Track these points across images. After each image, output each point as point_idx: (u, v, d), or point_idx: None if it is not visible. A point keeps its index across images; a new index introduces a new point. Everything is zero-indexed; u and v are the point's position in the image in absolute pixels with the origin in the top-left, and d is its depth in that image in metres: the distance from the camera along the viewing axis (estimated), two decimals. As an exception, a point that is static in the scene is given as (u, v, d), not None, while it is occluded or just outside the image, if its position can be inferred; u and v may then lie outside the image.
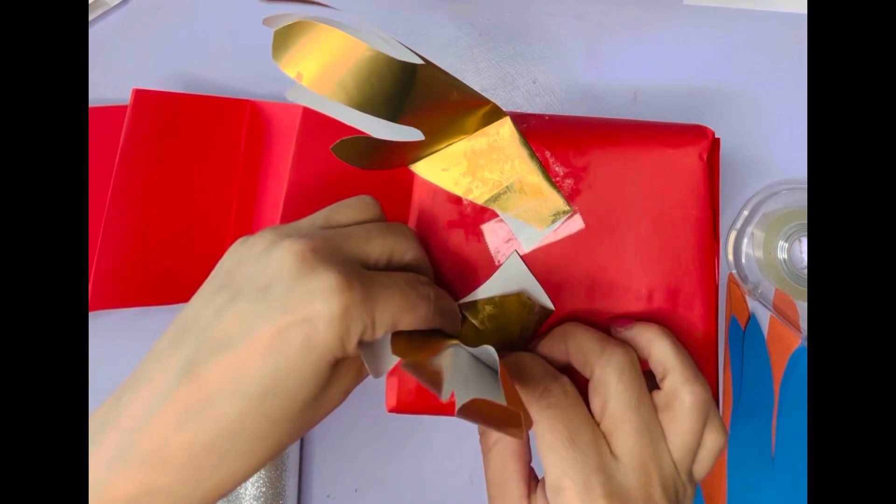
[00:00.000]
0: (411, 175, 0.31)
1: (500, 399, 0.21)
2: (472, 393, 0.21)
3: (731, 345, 0.38)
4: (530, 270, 0.30)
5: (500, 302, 0.29)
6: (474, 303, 0.30)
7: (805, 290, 0.38)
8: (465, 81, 0.26)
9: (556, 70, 0.42)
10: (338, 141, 0.27)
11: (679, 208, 0.30)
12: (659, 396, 0.26)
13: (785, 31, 0.41)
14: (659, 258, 0.30)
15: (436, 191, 0.31)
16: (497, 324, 0.29)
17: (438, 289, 0.27)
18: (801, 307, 0.38)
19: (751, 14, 0.41)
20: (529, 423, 0.21)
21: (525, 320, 0.30)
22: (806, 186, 0.39)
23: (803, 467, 0.36)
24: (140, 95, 0.38)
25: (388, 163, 0.30)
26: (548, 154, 0.30)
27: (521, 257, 0.30)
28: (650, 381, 0.27)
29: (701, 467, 0.26)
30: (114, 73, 0.43)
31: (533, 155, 0.30)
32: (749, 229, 0.39)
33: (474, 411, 0.21)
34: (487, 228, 0.30)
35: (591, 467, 0.24)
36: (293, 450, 0.38)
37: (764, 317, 0.38)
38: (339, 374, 0.24)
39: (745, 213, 0.39)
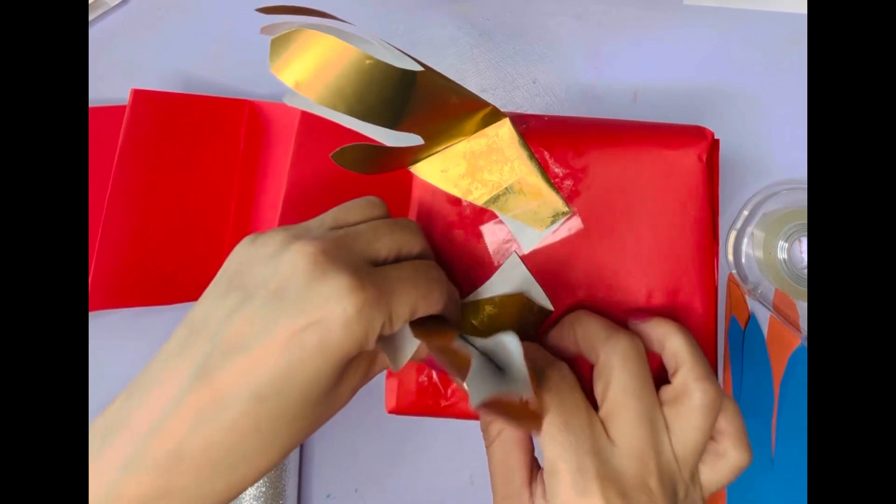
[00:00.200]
0: (410, 176, 0.31)
1: (525, 391, 0.21)
2: (493, 387, 0.21)
3: (731, 345, 0.38)
4: (530, 271, 0.30)
5: (499, 302, 0.29)
6: (475, 303, 0.30)
7: (805, 290, 0.38)
8: (465, 82, 0.27)
9: (556, 70, 0.42)
10: (337, 149, 0.27)
11: (678, 209, 0.30)
12: (668, 391, 0.26)
13: (785, 31, 0.41)
14: (658, 259, 0.30)
15: (435, 192, 0.31)
16: (496, 324, 0.29)
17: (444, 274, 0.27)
18: (801, 307, 0.38)
19: (751, 14, 0.41)
20: (542, 416, 0.21)
21: (524, 321, 0.30)
22: (806, 186, 0.39)
23: (803, 467, 0.36)
24: (139, 95, 0.38)
25: (388, 167, 0.30)
26: (547, 155, 0.30)
27: (521, 258, 0.30)
28: (662, 376, 0.27)
29: (715, 478, 0.26)
30: (114, 73, 0.43)
31: (532, 156, 0.30)
32: (749, 229, 0.39)
33: (493, 405, 0.21)
34: (487, 230, 0.30)
35: (585, 450, 0.24)
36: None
37: (764, 317, 0.38)
38: (349, 372, 0.24)
39: (745, 213, 0.39)
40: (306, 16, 0.24)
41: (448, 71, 0.41)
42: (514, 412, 0.22)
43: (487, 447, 0.27)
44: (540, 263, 0.30)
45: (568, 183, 0.30)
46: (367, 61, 0.24)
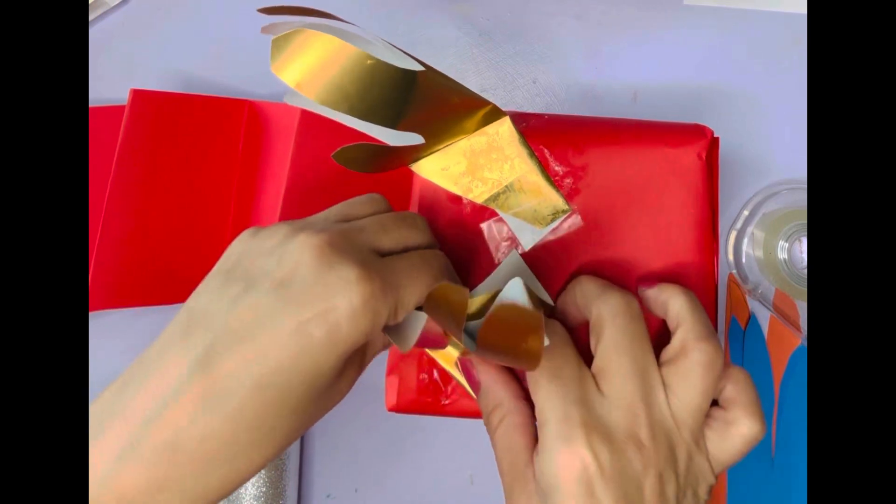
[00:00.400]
0: (411, 174, 0.31)
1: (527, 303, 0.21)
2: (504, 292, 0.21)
3: (731, 345, 0.38)
4: (530, 269, 0.30)
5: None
6: (472, 301, 0.30)
7: (805, 290, 0.38)
8: (465, 81, 0.27)
9: (556, 70, 0.42)
10: (338, 149, 0.27)
11: (678, 207, 0.30)
12: (667, 351, 0.26)
13: (785, 31, 0.41)
14: (657, 257, 0.30)
15: (435, 190, 0.31)
16: None
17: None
18: (801, 307, 0.38)
19: (750, 14, 0.41)
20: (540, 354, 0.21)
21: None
22: (806, 186, 0.39)
23: (803, 467, 0.36)
24: (138, 95, 0.38)
25: (388, 165, 0.30)
26: (547, 153, 0.30)
27: (521, 256, 0.30)
28: (667, 340, 0.26)
29: (724, 447, 0.25)
30: (114, 73, 0.43)
31: (532, 154, 0.30)
32: (749, 229, 0.39)
33: (493, 342, 0.21)
34: (487, 227, 0.30)
35: (572, 399, 0.24)
36: (293, 450, 0.38)
37: (764, 317, 0.38)
38: (349, 363, 0.24)
39: (745, 213, 0.39)
40: (307, 16, 0.24)
41: (448, 71, 0.40)
42: (513, 351, 0.22)
43: (491, 436, 0.27)
44: (540, 261, 0.30)
45: (568, 181, 0.30)
46: (368, 61, 0.24)
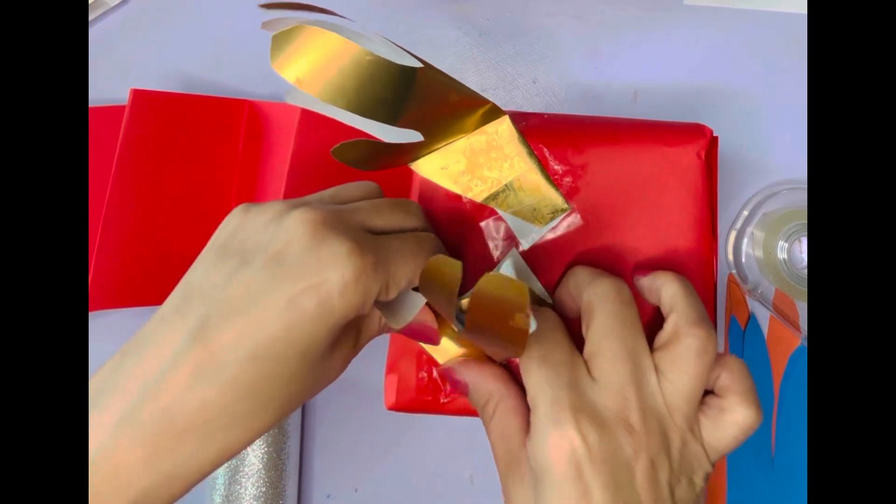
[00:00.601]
0: (410, 173, 0.31)
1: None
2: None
3: (730, 345, 0.38)
4: (529, 268, 0.30)
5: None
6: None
7: (805, 290, 0.38)
8: (465, 81, 0.26)
9: (556, 70, 0.42)
10: (337, 145, 0.27)
11: (677, 206, 0.30)
12: (660, 336, 0.26)
13: (785, 31, 0.41)
14: (656, 256, 0.30)
15: (435, 189, 0.31)
16: None
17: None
18: (801, 307, 0.38)
19: (750, 14, 0.41)
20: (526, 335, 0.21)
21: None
22: (806, 186, 0.39)
23: (803, 467, 0.36)
24: (138, 95, 0.38)
25: (388, 164, 0.30)
26: (546, 152, 0.30)
27: (520, 254, 0.30)
28: (659, 324, 0.26)
29: (719, 435, 0.24)
30: (114, 73, 0.43)
31: (531, 153, 0.30)
32: (749, 229, 0.39)
33: (482, 325, 0.22)
34: (486, 226, 0.30)
35: (561, 383, 0.24)
36: (293, 450, 0.38)
37: (764, 317, 0.38)
38: (342, 339, 0.25)
39: (745, 213, 0.39)
40: (307, 12, 0.24)
41: (448, 71, 0.40)
42: (503, 329, 0.22)
43: (487, 425, 0.27)
44: (539, 259, 0.30)
45: (567, 180, 0.30)
46: (368, 57, 0.24)
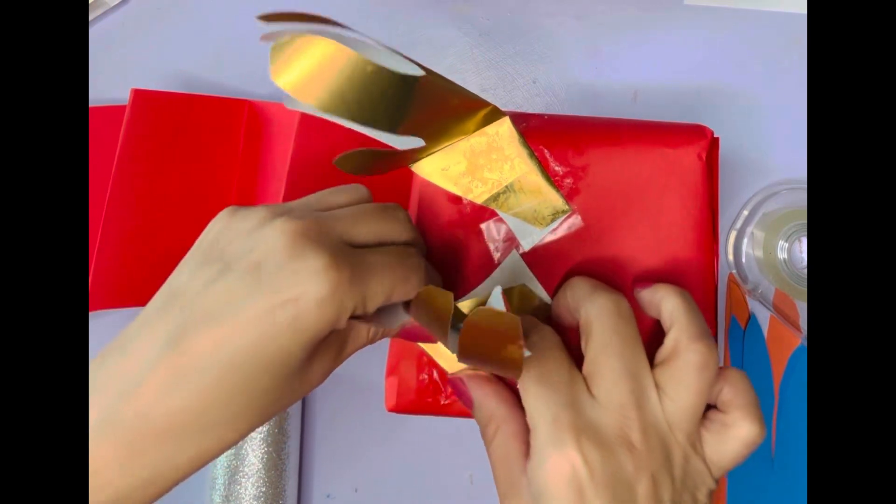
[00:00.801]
0: (410, 175, 0.31)
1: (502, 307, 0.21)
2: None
3: (731, 345, 0.38)
4: (530, 269, 0.30)
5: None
6: (473, 302, 0.30)
7: (805, 290, 0.38)
8: (465, 82, 0.26)
9: (556, 70, 0.42)
10: (339, 156, 0.27)
11: (678, 207, 0.30)
12: (660, 352, 0.25)
13: (785, 31, 0.41)
14: (657, 257, 0.30)
15: (435, 190, 0.31)
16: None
17: (427, 262, 0.27)
18: (801, 307, 0.38)
19: (751, 14, 0.41)
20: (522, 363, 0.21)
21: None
22: (806, 186, 0.39)
23: (803, 467, 0.36)
24: (139, 95, 0.38)
25: (389, 168, 0.30)
26: (547, 153, 0.30)
27: (521, 256, 0.30)
28: (661, 340, 0.26)
29: (722, 450, 0.24)
30: (114, 73, 0.43)
31: (532, 154, 0.30)
32: (749, 229, 0.39)
33: (472, 350, 0.21)
34: (487, 228, 0.30)
35: (561, 403, 0.23)
36: (293, 450, 0.38)
37: (764, 317, 0.38)
38: (321, 352, 0.25)
39: (745, 213, 0.39)
40: (307, 23, 0.24)
41: (448, 71, 0.41)
42: (496, 358, 0.22)
43: (488, 446, 0.27)
44: (540, 261, 0.30)
45: (568, 181, 0.30)
46: (368, 67, 0.24)
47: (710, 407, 0.25)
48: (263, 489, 0.36)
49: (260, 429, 0.37)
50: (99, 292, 0.37)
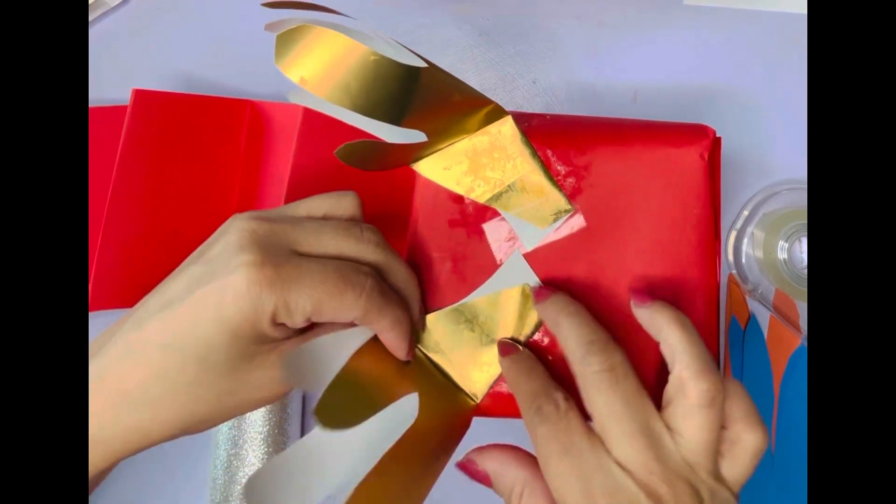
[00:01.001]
0: (413, 174, 0.31)
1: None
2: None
3: (731, 345, 0.38)
4: (532, 269, 0.30)
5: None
6: (473, 304, 0.30)
7: (805, 290, 0.38)
8: (465, 81, 0.26)
9: (557, 70, 0.42)
10: (340, 147, 0.27)
11: (680, 207, 0.30)
12: (667, 391, 0.25)
13: (785, 31, 0.41)
14: (660, 257, 0.30)
15: (438, 190, 0.31)
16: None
17: (384, 286, 0.27)
18: (801, 307, 0.38)
19: (750, 14, 0.41)
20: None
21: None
22: (806, 186, 0.39)
23: (803, 467, 0.36)
24: (140, 95, 0.38)
25: (391, 164, 0.30)
26: (549, 153, 0.30)
27: (523, 256, 0.30)
28: (664, 363, 0.26)
29: (737, 468, 0.25)
30: (114, 73, 0.43)
31: (535, 154, 0.30)
32: (749, 229, 0.39)
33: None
34: (489, 227, 0.30)
35: (587, 474, 0.24)
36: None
37: (764, 317, 0.38)
38: (259, 357, 0.25)
39: (745, 213, 0.39)
40: (310, 11, 0.24)
41: (448, 71, 0.41)
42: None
43: None
44: (542, 261, 0.30)
45: (570, 181, 0.30)
46: (372, 57, 0.24)
47: None
48: (264, 489, 0.36)
49: (260, 429, 0.37)
50: (100, 293, 0.36)
